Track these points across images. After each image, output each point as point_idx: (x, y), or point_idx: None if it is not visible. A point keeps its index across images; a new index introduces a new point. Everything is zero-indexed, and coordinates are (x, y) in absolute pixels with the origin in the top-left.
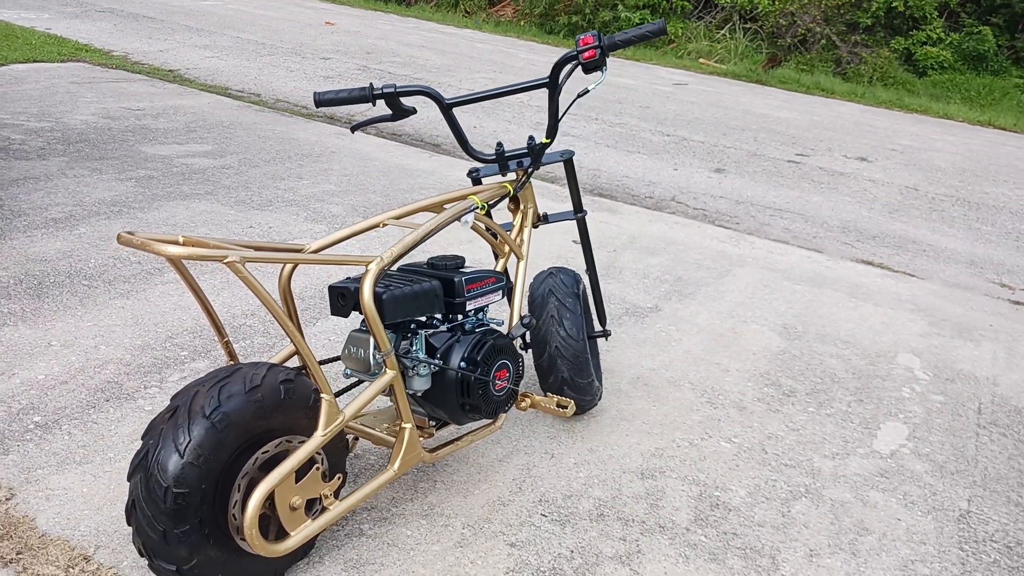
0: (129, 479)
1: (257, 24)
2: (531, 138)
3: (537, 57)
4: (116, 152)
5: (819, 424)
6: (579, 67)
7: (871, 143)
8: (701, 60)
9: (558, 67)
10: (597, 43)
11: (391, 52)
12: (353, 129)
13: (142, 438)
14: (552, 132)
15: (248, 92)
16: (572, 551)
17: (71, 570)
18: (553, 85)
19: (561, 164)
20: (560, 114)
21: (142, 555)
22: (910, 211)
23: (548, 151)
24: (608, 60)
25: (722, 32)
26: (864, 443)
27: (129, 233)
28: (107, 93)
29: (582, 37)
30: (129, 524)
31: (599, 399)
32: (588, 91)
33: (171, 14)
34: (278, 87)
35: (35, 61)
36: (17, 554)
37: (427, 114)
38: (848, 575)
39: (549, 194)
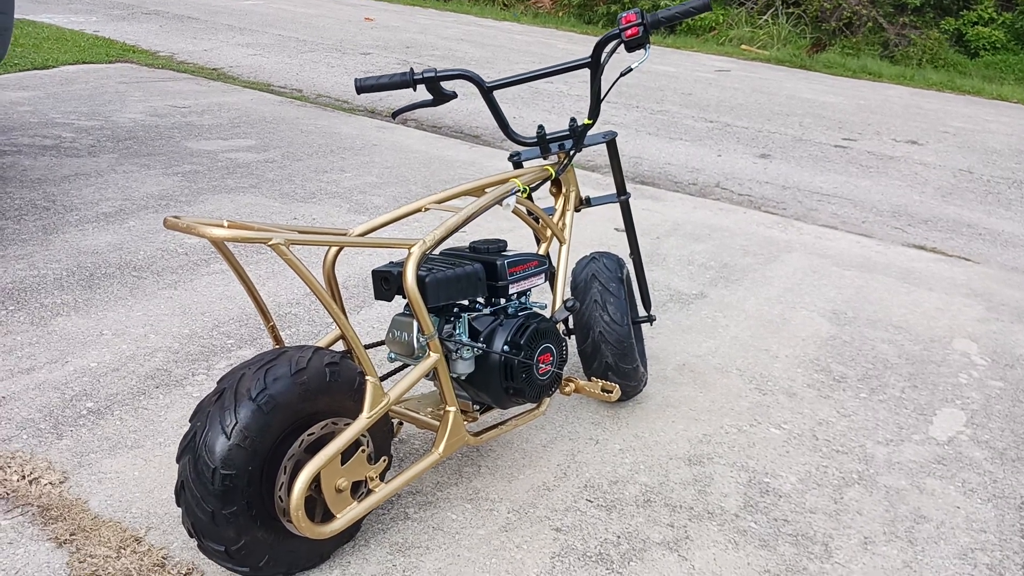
0: (178, 461)
1: (298, 22)
2: (573, 120)
3: (576, 47)
4: (163, 148)
5: (872, 410)
6: (622, 45)
7: (921, 126)
8: (743, 46)
9: (600, 46)
10: (640, 20)
11: (430, 46)
12: (395, 115)
13: (190, 420)
14: (594, 113)
15: (290, 88)
16: (619, 536)
17: (123, 551)
18: (595, 65)
19: (602, 150)
20: (602, 94)
21: (191, 536)
22: (964, 194)
23: (590, 133)
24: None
25: (764, 17)
26: (919, 429)
27: (175, 217)
28: (154, 92)
29: (624, 15)
30: (179, 505)
31: (644, 385)
32: (631, 69)
33: (214, 14)
34: (319, 82)
35: (84, 62)
36: (71, 535)
37: (466, 105)
38: (905, 563)
39: (590, 182)
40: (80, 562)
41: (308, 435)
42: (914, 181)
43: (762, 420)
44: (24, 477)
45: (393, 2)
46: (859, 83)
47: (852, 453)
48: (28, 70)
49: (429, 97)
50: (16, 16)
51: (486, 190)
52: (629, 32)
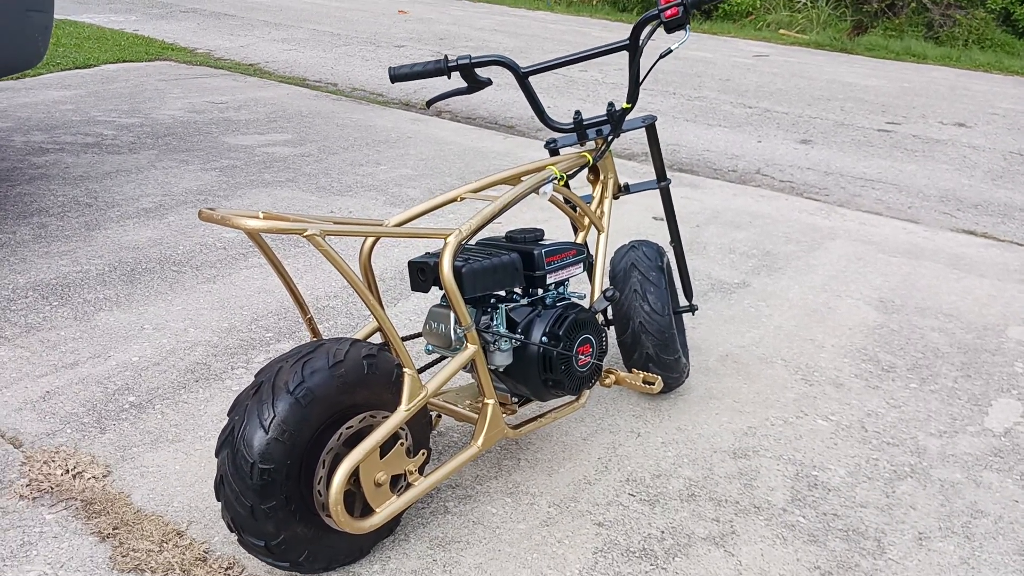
0: (217, 455)
1: (332, 16)
2: (611, 104)
3: (610, 35)
4: (201, 144)
5: (923, 401)
6: (661, 26)
7: (969, 108)
8: (782, 31)
9: (638, 28)
10: (679, 0)
11: (464, 37)
12: (429, 103)
13: (228, 414)
14: (633, 97)
15: (325, 82)
16: (663, 531)
17: (165, 544)
18: (633, 47)
19: (639, 137)
20: (641, 77)
21: (231, 530)
22: (1016, 177)
23: (629, 117)
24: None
25: (803, 1)
26: (974, 420)
27: (210, 209)
28: (192, 89)
29: None
30: (218, 499)
31: (686, 377)
32: (671, 51)
33: (250, 10)
34: (354, 76)
35: (124, 61)
36: (114, 529)
37: (501, 96)
38: (962, 559)
39: (627, 170)
40: (123, 556)
41: (346, 428)
42: (962, 165)
43: (809, 412)
44: (68, 471)
45: None
46: (902, 65)
47: (904, 445)
48: (70, 69)
49: (464, 85)
50: (58, 17)
51: (522, 178)
52: (669, 12)
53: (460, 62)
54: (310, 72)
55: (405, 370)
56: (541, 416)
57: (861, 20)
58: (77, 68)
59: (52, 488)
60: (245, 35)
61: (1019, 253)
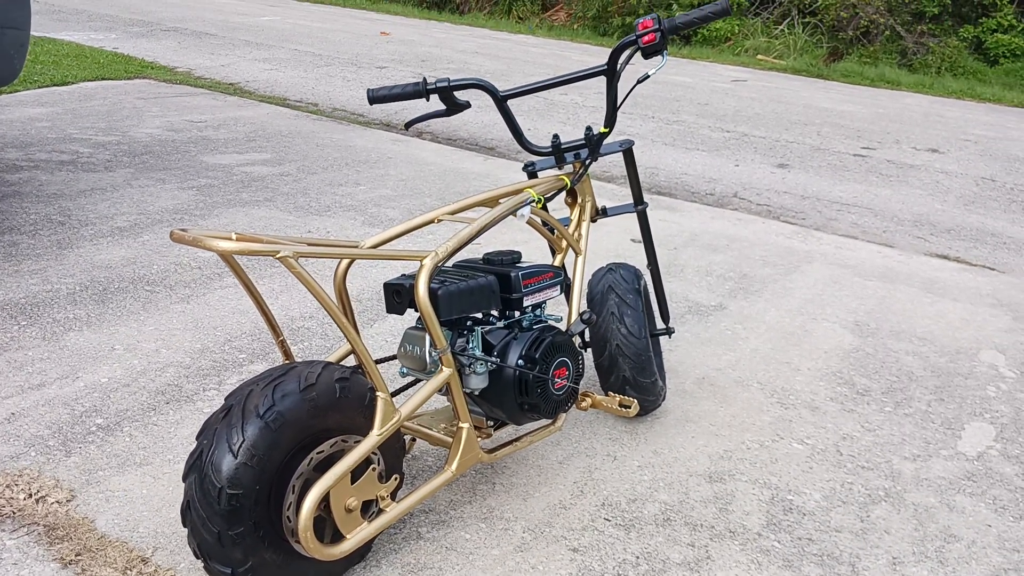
0: (184, 479)
1: (314, 36)
2: (588, 128)
3: (591, 59)
4: (179, 163)
5: (897, 424)
6: (638, 52)
7: (942, 134)
8: (759, 56)
9: (616, 53)
10: (657, 26)
11: (445, 59)
12: (407, 125)
13: (197, 438)
14: (610, 121)
15: (306, 102)
16: (638, 557)
17: (128, 572)
18: (611, 72)
19: (618, 160)
20: (619, 102)
21: (197, 557)
22: (987, 203)
23: (607, 141)
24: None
25: (780, 27)
26: (947, 444)
27: (182, 230)
28: (171, 107)
29: (641, 21)
30: (184, 525)
31: (663, 400)
32: (648, 76)
33: (232, 30)
34: (335, 96)
35: (103, 79)
36: (76, 555)
37: (481, 117)
38: None
39: (606, 193)
40: None
41: (317, 453)
42: (936, 190)
43: (784, 435)
44: (31, 495)
45: (409, 16)
46: (877, 92)
47: (878, 469)
48: (47, 86)
49: (442, 107)
50: (37, 34)
51: (500, 201)
52: (646, 38)
53: (438, 85)
54: (291, 92)
55: (378, 394)
56: (517, 440)
57: (837, 47)
58: (55, 85)
59: (14, 513)
60: (226, 54)
61: (991, 277)
